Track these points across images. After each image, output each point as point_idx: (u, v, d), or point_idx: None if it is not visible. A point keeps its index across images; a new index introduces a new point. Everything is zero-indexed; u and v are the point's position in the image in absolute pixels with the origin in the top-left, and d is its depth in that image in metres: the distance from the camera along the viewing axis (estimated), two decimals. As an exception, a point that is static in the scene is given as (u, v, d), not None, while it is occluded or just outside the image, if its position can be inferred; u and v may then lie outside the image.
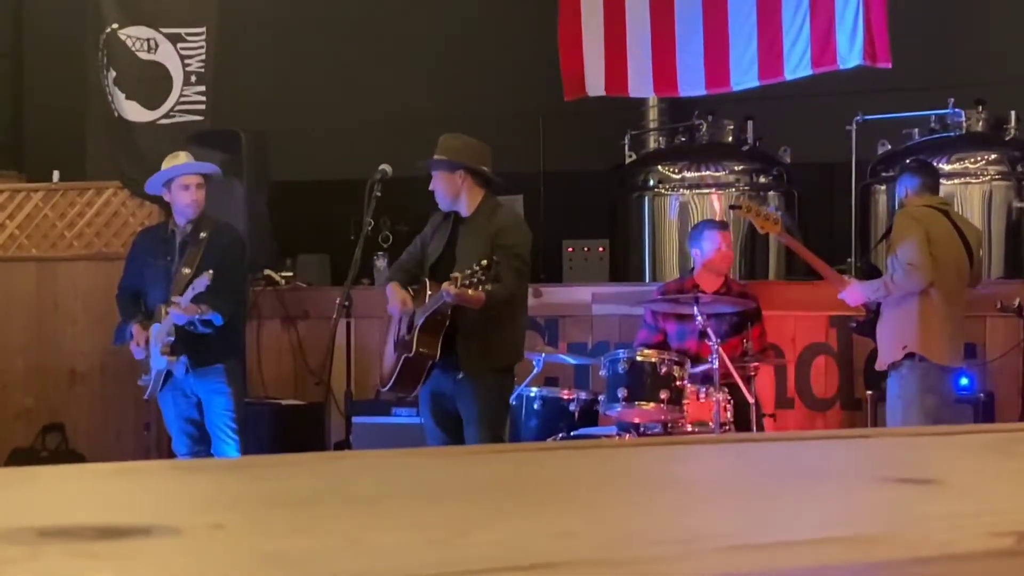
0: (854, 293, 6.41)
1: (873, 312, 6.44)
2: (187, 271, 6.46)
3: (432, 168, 6.13)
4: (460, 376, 5.95)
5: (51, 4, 10.65)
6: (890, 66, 8.04)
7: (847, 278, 6.59)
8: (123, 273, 6.97)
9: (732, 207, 7.48)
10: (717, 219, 8.01)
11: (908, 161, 7.60)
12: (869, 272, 6.79)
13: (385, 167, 6.29)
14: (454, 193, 6.08)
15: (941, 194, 6.87)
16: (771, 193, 8.77)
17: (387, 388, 6.25)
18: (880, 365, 6.42)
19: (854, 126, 8.35)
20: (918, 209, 6.45)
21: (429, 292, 5.95)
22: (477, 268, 5.56)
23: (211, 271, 6.26)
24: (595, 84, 8.88)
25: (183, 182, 6.59)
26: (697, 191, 8.73)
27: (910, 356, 6.24)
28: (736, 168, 8.78)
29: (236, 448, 6.61)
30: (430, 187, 6.15)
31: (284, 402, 8.32)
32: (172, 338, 6.44)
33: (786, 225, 7.32)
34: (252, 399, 8.11)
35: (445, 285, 5.66)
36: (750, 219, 6.82)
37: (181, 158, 6.78)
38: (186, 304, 6.33)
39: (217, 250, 6.53)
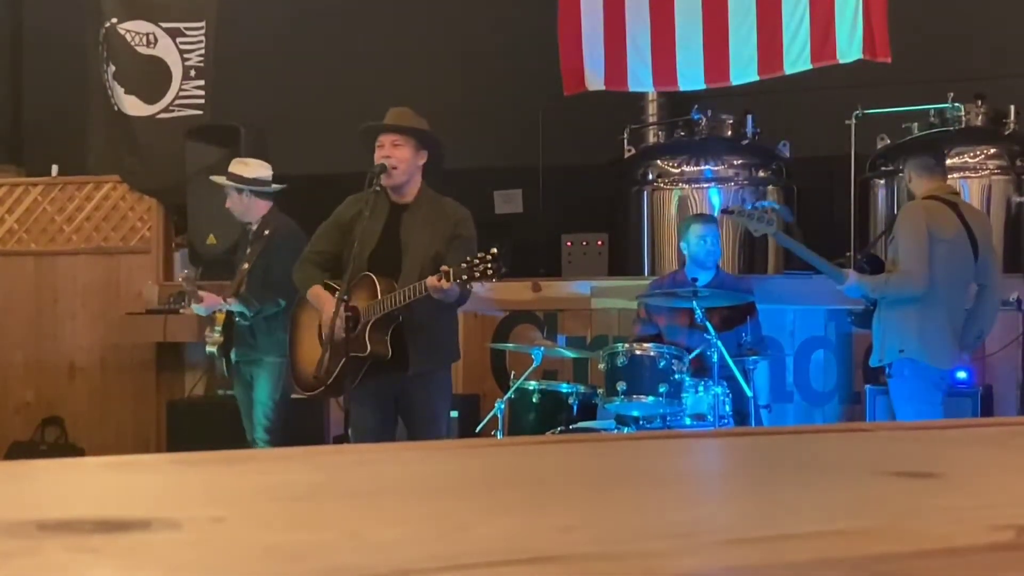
0: (854, 287, 6.32)
1: (871, 304, 6.38)
2: (245, 266, 6.85)
3: (405, 133, 5.63)
4: (411, 374, 5.49)
5: (50, -2, 10.64)
6: (890, 60, 8.03)
7: (847, 272, 6.50)
8: None
9: (724, 212, 7.45)
10: (705, 213, 7.98)
11: (911, 143, 7.47)
12: (871, 264, 6.66)
13: (384, 161, 6.26)
14: (411, 172, 5.64)
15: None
16: (770, 187, 8.76)
17: (317, 392, 5.73)
18: (874, 361, 6.34)
19: (853, 120, 8.33)
20: (927, 202, 6.26)
21: (380, 287, 5.45)
22: (477, 261, 5.02)
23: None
24: (594, 79, 8.87)
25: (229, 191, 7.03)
26: (696, 185, 8.72)
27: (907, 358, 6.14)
28: (735, 162, 8.77)
29: (265, 445, 6.73)
30: (380, 157, 5.58)
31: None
32: (219, 328, 6.86)
33: (785, 220, 7.29)
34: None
35: (433, 279, 5.13)
36: (743, 223, 6.75)
37: (236, 167, 7.09)
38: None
39: (270, 247, 6.80)
